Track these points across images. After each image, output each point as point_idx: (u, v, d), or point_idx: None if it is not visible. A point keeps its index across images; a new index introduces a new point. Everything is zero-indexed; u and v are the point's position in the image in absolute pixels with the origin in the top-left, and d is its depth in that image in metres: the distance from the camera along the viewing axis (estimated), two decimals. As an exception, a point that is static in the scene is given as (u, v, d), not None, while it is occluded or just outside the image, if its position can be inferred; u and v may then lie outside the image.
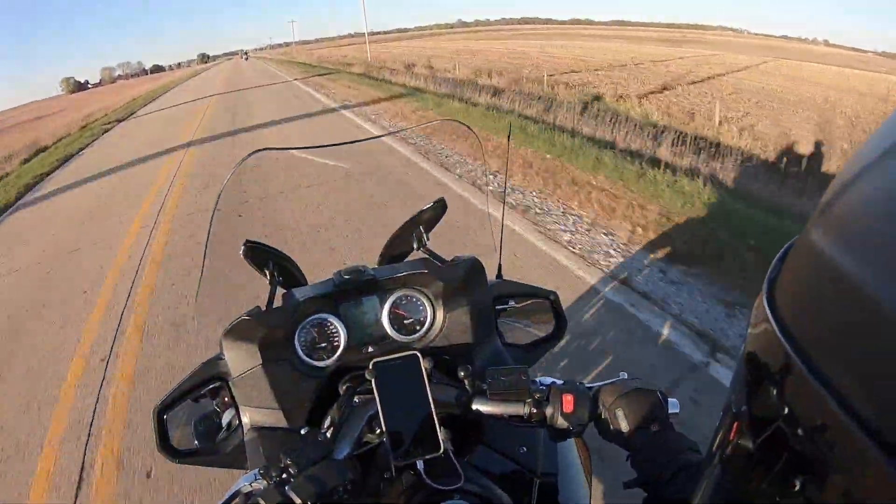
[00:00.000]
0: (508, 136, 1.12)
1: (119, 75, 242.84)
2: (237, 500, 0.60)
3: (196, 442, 0.87)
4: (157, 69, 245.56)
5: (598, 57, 24.78)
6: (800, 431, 0.27)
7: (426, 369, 0.70)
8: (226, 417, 0.89)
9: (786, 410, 0.28)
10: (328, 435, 0.68)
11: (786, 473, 0.28)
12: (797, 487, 0.28)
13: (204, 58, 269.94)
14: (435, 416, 0.67)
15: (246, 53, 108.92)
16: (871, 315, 0.23)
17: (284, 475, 0.61)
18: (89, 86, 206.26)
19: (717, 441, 0.37)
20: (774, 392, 0.29)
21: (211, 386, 0.86)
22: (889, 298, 0.23)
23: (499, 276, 1.05)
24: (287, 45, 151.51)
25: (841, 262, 0.26)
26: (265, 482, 0.61)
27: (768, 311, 0.31)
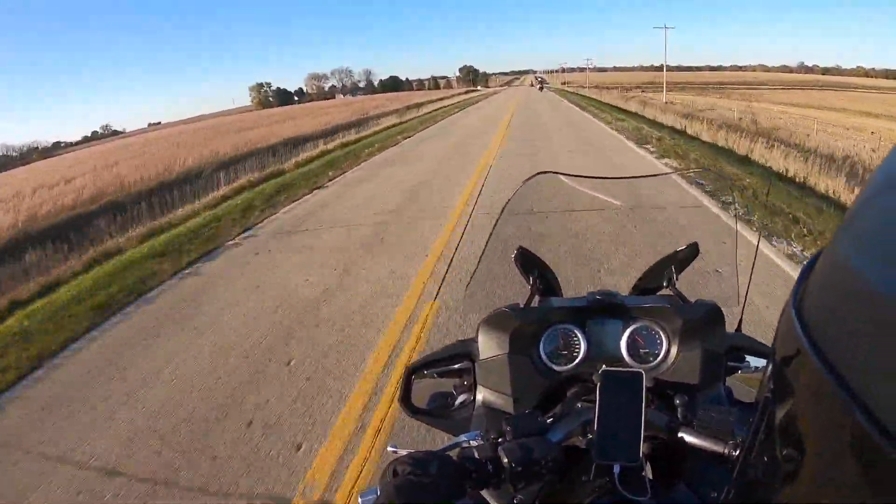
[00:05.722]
0: (767, 192, 1.12)
1: (332, 86, 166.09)
2: (456, 449, 0.69)
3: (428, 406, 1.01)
4: (396, 84, 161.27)
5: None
6: (820, 434, 0.29)
7: (646, 388, 0.74)
8: (459, 399, 1.01)
9: (809, 417, 0.30)
10: (547, 420, 0.76)
11: (807, 479, 0.30)
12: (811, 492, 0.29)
13: (469, 74, 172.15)
14: (642, 431, 0.71)
15: (542, 80, 74.47)
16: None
17: (500, 438, 0.72)
18: (295, 99, 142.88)
19: (749, 439, 0.39)
20: (800, 401, 0.31)
21: (458, 365, 1.00)
22: None
23: (738, 329, 1.05)
24: (571, 71, 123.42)
25: (864, 274, 0.27)
26: (482, 441, 0.72)
27: (796, 321, 0.32)
